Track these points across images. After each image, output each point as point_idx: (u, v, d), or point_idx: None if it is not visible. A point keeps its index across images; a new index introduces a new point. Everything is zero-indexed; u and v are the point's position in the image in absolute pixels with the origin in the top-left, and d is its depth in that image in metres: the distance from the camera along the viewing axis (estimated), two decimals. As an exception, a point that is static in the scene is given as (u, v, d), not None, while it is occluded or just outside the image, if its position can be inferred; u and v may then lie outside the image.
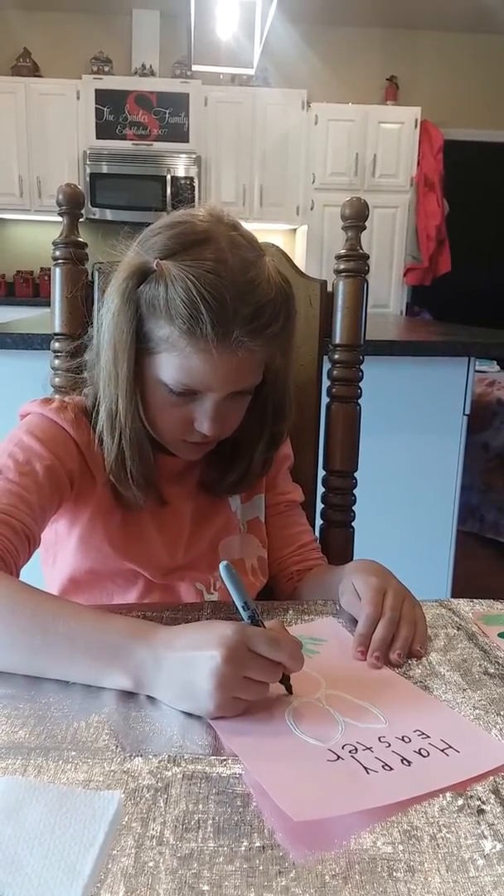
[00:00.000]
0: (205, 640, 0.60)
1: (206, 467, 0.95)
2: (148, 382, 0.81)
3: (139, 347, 0.79)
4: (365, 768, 0.55)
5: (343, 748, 0.58)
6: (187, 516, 0.94)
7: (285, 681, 0.65)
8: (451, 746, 0.59)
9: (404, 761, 0.56)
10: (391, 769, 0.55)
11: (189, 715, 0.61)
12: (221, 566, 0.63)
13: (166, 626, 0.64)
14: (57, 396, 0.91)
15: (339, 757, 0.56)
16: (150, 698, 0.63)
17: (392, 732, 0.60)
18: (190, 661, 0.60)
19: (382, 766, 0.56)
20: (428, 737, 0.60)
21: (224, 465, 0.93)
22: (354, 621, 0.78)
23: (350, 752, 0.57)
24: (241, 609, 0.64)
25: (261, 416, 0.90)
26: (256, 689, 0.61)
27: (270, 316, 0.77)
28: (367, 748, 0.58)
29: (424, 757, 0.57)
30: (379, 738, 0.59)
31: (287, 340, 0.85)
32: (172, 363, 0.78)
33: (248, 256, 0.77)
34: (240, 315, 0.74)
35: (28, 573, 0.81)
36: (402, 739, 0.59)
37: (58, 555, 0.92)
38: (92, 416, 0.86)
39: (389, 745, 0.59)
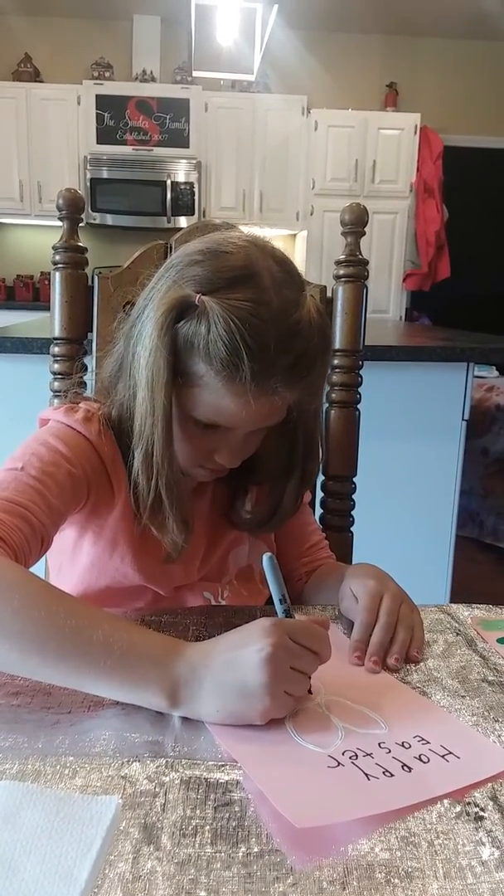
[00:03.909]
0: (246, 638, 0.59)
1: (218, 485, 0.94)
2: (175, 413, 0.78)
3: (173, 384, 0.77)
4: (365, 774, 0.55)
5: (343, 754, 0.57)
6: (202, 536, 0.93)
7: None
8: (451, 752, 0.59)
9: (405, 767, 0.56)
10: (392, 775, 0.55)
11: (186, 720, 0.60)
12: (264, 558, 0.63)
13: (200, 642, 0.64)
14: (81, 405, 0.87)
15: (339, 763, 0.56)
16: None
17: (392, 738, 0.60)
18: (235, 660, 0.59)
19: (383, 773, 0.55)
20: (428, 742, 0.60)
21: (236, 480, 0.92)
22: (352, 626, 0.78)
23: (350, 758, 0.57)
24: (278, 602, 0.65)
25: (290, 454, 0.88)
26: (302, 681, 0.61)
27: (309, 364, 0.75)
28: (368, 754, 0.58)
29: (425, 763, 0.57)
30: (379, 744, 0.59)
31: (320, 381, 0.83)
32: (204, 400, 0.76)
33: (290, 296, 0.75)
34: (279, 364, 0.73)
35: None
36: (403, 745, 0.59)
37: (64, 564, 0.90)
38: (116, 429, 0.84)
39: (390, 751, 0.58)
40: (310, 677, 0.62)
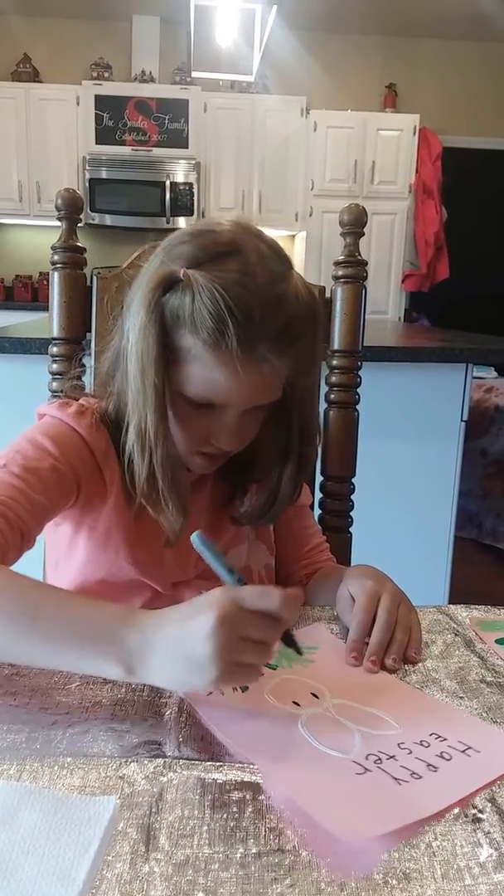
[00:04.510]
0: (194, 609, 0.59)
1: (217, 480, 0.93)
2: (168, 394, 0.78)
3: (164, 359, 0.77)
4: (395, 779, 0.55)
5: (367, 759, 0.57)
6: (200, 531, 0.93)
7: (291, 642, 0.64)
8: (470, 747, 0.59)
9: (430, 767, 0.56)
10: (420, 777, 0.55)
11: (186, 720, 0.60)
12: (193, 537, 0.61)
13: (155, 611, 0.63)
14: (80, 400, 0.88)
15: (366, 769, 0.56)
16: (147, 701, 0.63)
17: (409, 738, 0.60)
18: (183, 631, 0.58)
19: (411, 775, 0.55)
20: (445, 739, 0.60)
21: (236, 476, 0.92)
22: (347, 629, 0.78)
23: (375, 762, 0.57)
24: (226, 574, 0.63)
25: (287, 435, 0.88)
26: (257, 649, 0.59)
27: (297, 332, 0.76)
28: (391, 757, 0.58)
29: (447, 760, 0.57)
30: (398, 745, 0.59)
31: (312, 357, 0.83)
32: (194, 375, 0.76)
33: (276, 269, 0.76)
34: (266, 330, 0.73)
35: (31, 574, 0.81)
36: (421, 744, 0.59)
37: (61, 560, 0.91)
38: (110, 424, 0.84)
39: (411, 751, 0.58)
40: (271, 644, 0.60)
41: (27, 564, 0.78)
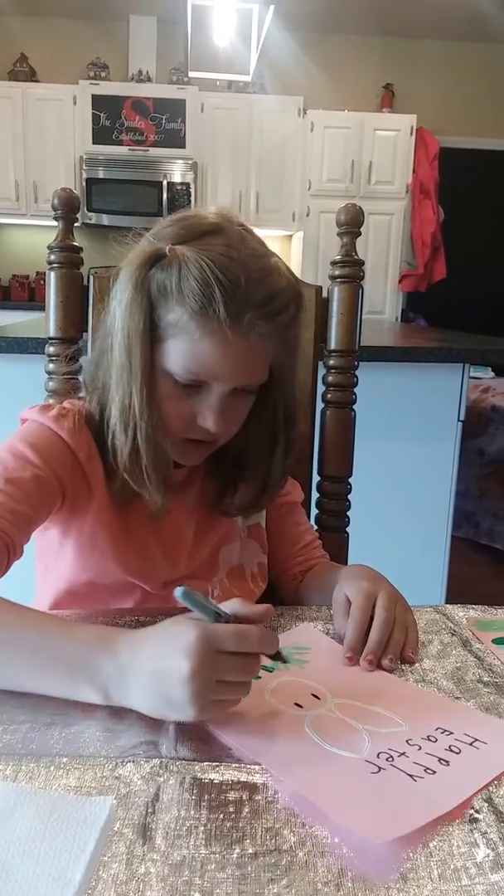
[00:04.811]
0: (170, 650, 0.58)
1: (207, 478, 0.93)
2: (154, 373, 0.79)
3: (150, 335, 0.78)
4: (409, 776, 0.55)
5: (378, 757, 0.57)
6: (189, 529, 0.92)
7: (276, 656, 0.63)
8: (477, 739, 0.60)
9: (442, 762, 0.57)
10: (434, 772, 0.55)
11: (181, 722, 0.60)
12: (177, 593, 0.60)
13: (127, 633, 0.63)
14: (58, 402, 0.87)
15: (380, 768, 0.56)
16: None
17: (416, 734, 0.60)
18: (158, 672, 0.58)
19: (425, 770, 0.56)
20: (451, 733, 0.61)
21: (227, 474, 0.92)
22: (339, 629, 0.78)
23: (387, 759, 0.57)
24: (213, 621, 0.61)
25: (273, 422, 0.88)
26: (235, 689, 0.59)
27: (283, 303, 0.76)
28: (402, 754, 0.58)
29: (457, 754, 0.58)
30: (407, 742, 0.59)
31: (295, 337, 0.85)
32: (181, 349, 0.76)
33: (258, 249, 0.78)
34: (253, 298, 0.74)
35: (20, 581, 0.81)
36: (429, 739, 0.60)
37: (49, 564, 0.90)
38: (96, 423, 0.83)
39: (420, 747, 0.59)
40: (249, 680, 0.60)
41: (17, 569, 0.79)
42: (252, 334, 0.75)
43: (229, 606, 0.62)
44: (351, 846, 0.47)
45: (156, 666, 0.58)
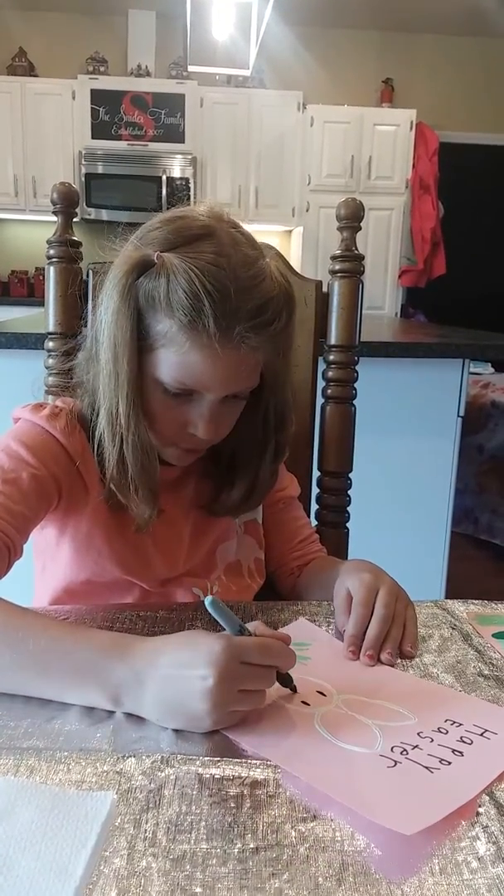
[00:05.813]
0: (193, 658, 0.57)
1: (201, 477, 0.93)
2: (143, 382, 0.78)
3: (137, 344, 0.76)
4: (426, 768, 0.55)
5: (392, 751, 0.57)
6: (186, 529, 0.92)
7: (287, 681, 0.64)
8: (487, 730, 0.60)
9: (455, 752, 0.57)
10: (449, 763, 0.56)
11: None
12: (206, 603, 0.60)
13: (143, 639, 0.62)
14: (50, 402, 0.87)
15: (396, 762, 0.56)
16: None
17: (426, 727, 0.61)
18: (178, 680, 0.57)
19: (440, 761, 0.56)
20: (461, 724, 0.61)
21: (221, 475, 0.91)
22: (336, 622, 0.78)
23: (402, 753, 0.57)
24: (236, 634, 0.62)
25: (264, 425, 0.88)
26: (253, 698, 0.59)
27: (274, 313, 0.75)
28: (415, 746, 0.58)
29: (469, 745, 0.58)
30: (418, 735, 0.59)
31: (287, 341, 0.83)
32: (170, 360, 0.75)
33: (249, 253, 0.76)
34: (243, 310, 0.72)
35: (19, 580, 0.81)
36: (440, 731, 0.60)
37: (47, 563, 0.90)
38: (89, 422, 0.83)
39: (432, 739, 0.59)
40: (265, 691, 0.60)
41: (16, 567, 0.78)
42: (242, 346, 0.74)
43: (251, 626, 0.63)
44: (378, 844, 0.47)
45: (175, 673, 0.58)
